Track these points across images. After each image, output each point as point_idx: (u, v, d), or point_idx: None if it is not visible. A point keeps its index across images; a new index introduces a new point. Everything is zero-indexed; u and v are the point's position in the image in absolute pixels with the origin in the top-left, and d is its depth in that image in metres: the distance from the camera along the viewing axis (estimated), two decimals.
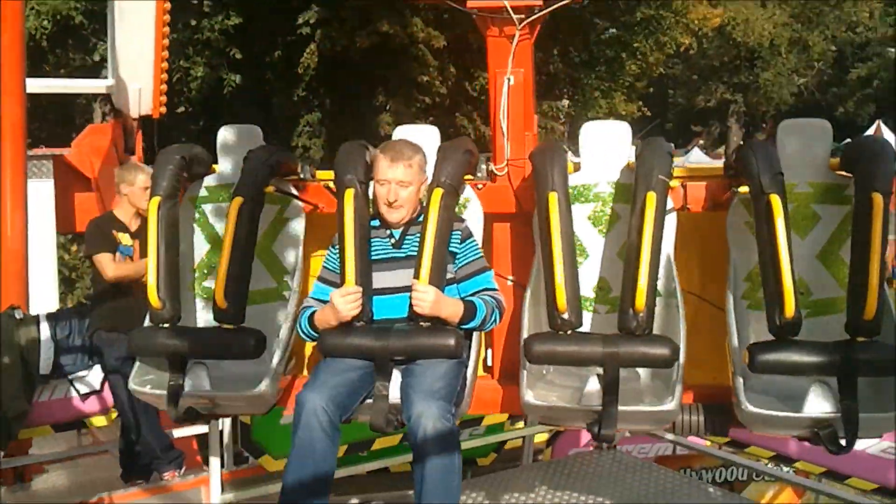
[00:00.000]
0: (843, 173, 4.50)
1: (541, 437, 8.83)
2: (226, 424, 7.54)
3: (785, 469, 8.12)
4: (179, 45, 18.43)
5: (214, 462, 7.01)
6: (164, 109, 10.23)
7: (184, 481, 7.44)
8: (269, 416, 6.72)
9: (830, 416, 3.99)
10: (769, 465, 8.19)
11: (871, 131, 35.29)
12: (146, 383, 4.54)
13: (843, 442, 4.02)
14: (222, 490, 7.02)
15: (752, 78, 60.72)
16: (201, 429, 7.70)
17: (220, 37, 20.23)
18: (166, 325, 4.42)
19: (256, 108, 21.78)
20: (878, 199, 3.98)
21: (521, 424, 8.28)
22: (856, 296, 3.96)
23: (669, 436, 8.04)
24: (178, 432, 7.76)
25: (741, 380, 4.17)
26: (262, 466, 7.35)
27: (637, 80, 29.97)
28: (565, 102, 26.86)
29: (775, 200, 4.06)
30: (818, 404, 4.01)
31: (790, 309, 3.92)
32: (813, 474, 7.77)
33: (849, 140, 4.84)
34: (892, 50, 64.38)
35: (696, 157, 36.66)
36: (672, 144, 4.69)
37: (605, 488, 6.44)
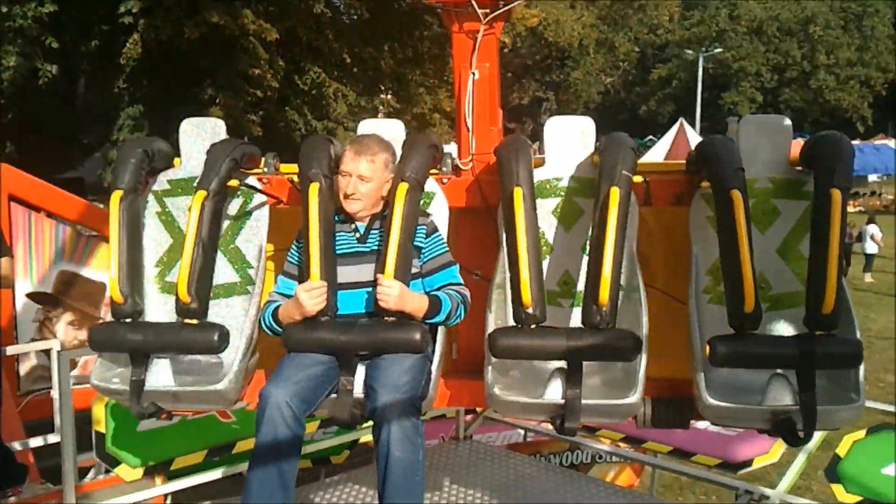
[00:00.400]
0: (804, 169, 4.56)
1: None
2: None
3: (628, 449, 8.38)
4: None
5: (69, 475, 6.41)
6: None
7: (33, 496, 7.02)
8: (127, 424, 6.71)
9: (789, 409, 4.05)
10: (614, 447, 8.46)
11: (674, 129, 36.27)
12: (108, 379, 4.50)
13: (801, 434, 4.10)
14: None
15: (562, 77, 63.19)
16: (39, 440, 7.30)
17: (33, 24, 19.51)
18: (128, 320, 4.39)
19: (63, 100, 21.45)
20: (836, 195, 4.05)
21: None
22: (814, 290, 4.02)
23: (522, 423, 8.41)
24: (17, 444, 7.22)
25: (702, 373, 4.22)
26: (117, 477, 7.01)
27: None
28: (388, 97, 27.15)
29: (736, 196, 4.12)
30: (777, 397, 4.07)
31: (750, 303, 3.99)
32: (661, 453, 8.01)
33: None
34: (690, 52, 69.04)
35: None
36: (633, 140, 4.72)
37: (465, 478, 6.47)
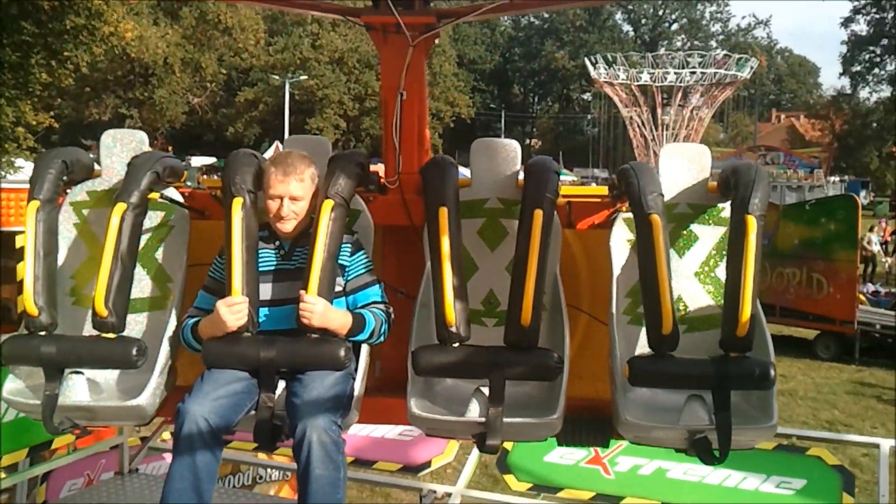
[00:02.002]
0: (721, 196, 4.68)
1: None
2: None
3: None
4: None
5: None
6: None
7: None
8: None
9: (705, 428, 4.13)
10: (278, 462, 8.81)
11: (270, 151, 37.48)
12: (20, 393, 4.39)
13: (716, 453, 4.17)
14: None
15: (146, 94, 63.63)
16: None
17: None
18: (42, 333, 4.27)
19: None
20: (751, 221, 4.16)
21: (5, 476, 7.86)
22: (730, 313, 4.12)
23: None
24: None
25: (621, 392, 4.29)
26: None
27: (45, 90, 29.38)
28: None
29: (655, 220, 4.21)
30: (694, 417, 4.15)
31: (668, 325, 4.08)
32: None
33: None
34: (276, 77, 72.72)
35: None
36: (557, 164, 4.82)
37: None
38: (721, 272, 4.53)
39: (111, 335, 4.26)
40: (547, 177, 4.49)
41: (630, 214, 4.46)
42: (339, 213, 4.32)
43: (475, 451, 7.61)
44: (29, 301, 4.21)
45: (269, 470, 9.32)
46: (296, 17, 78.46)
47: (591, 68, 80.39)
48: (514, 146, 4.95)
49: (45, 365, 4.22)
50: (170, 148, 70.02)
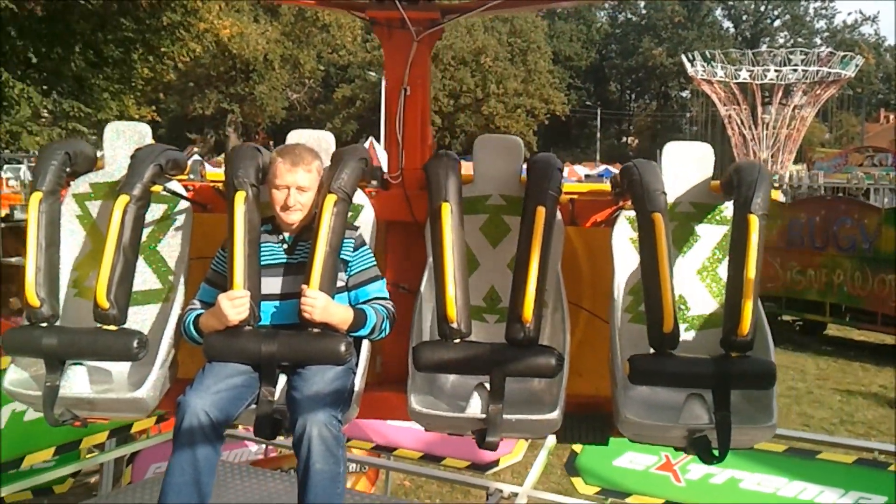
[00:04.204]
0: (724, 195, 4.67)
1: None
2: None
3: (365, 456, 8.85)
4: None
5: None
6: None
7: None
8: None
9: (705, 427, 4.13)
10: (354, 455, 8.82)
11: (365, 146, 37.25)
12: (21, 384, 4.40)
13: (716, 452, 4.17)
14: None
15: (247, 90, 64.21)
16: None
17: None
18: (44, 324, 4.28)
19: None
20: (754, 220, 4.13)
21: (96, 453, 8.15)
22: (731, 313, 4.11)
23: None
24: None
25: (622, 390, 4.29)
26: None
27: (148, 84, 30.13)
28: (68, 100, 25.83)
29: (658, 218, 4.21)
30: (693, 415, 4.15)
31: (669, 323, 4.08)
32: (412, 459, 8.44)
33: None
34: (372, 73, 72.31)
35: None
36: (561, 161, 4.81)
37: (217, 498, 6.36)
38: (723, 271, 4.51)
39: (112, 327, 4.27)
40: (550, 173, 4.49)
41: (633, 212, 4.46)
42: (342, 208, 4.33)
43: (544, 452, 7.66)
44: (30, 292, 4.23)
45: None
46: None
47: (687, 65, 78.52)
48: (516, 142, 4.95)
49: (46, 356, 4.24)
50: (270, 143, 71.27)
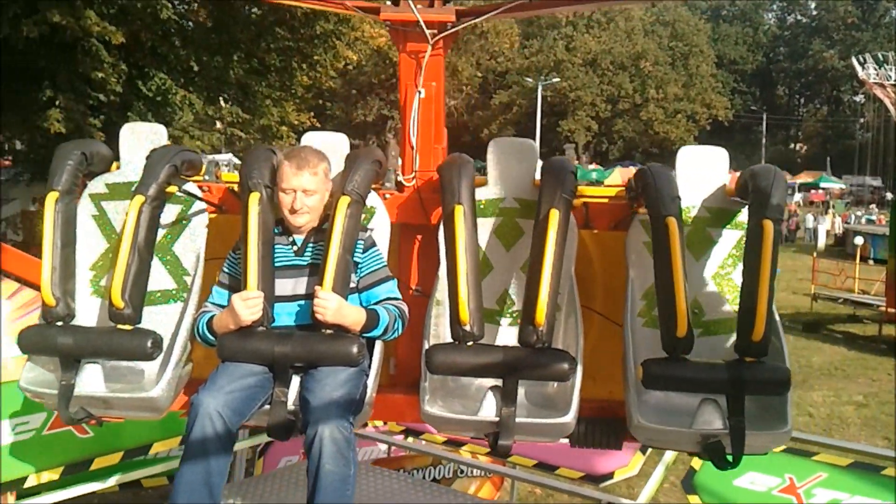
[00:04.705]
0: (739, 199, 4.65)
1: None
2: None
3: (489, 463, 8.64)
4: None
5: None
6: None
7: None
8: None
9: (718, 433, 4.10)
10: (476, 461, 8.70)
11: None
12: (36, 382, 4.43)
13: (730, 458, 4.13)
14: None
15: None
16: None
17: None
18: (59, 323, 4.32)
19: None
20: (768, 225, 4.10)
21: None
22: (745, 318, 4.08)
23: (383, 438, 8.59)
24: None
25: (635, 395, 4.27)
26: None
27: (306, 92, 30.45)
28: (229, 106, 26.65)
29: (672, 223, 4.18)
30: (707, 421, 4.11)
31: (683, 328, 4.04)
32: (526, 466, 8.24)
33: None
34: (529, 80, 71.94)
35: None
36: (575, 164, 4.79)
37: None
38: (738, 276, 4.49)
39: (127, 327, 4.29)
40: (564, 177, 4.47)
41: (647, 216, 4.44)
42: (355, 210, 4.34)
43: (660, 468, 7.50)
44: (46, 291, 4.26)
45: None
46: (550, 19, 79.30)
47: (858, 68, 75.58)
48: (531, 146, 4.94)
49: (62, 355, 4.27)
50: None
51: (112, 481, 7.21)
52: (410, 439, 8.88)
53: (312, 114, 32.87)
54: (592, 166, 65.65)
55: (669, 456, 7.39)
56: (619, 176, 62.27)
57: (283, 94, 27.49)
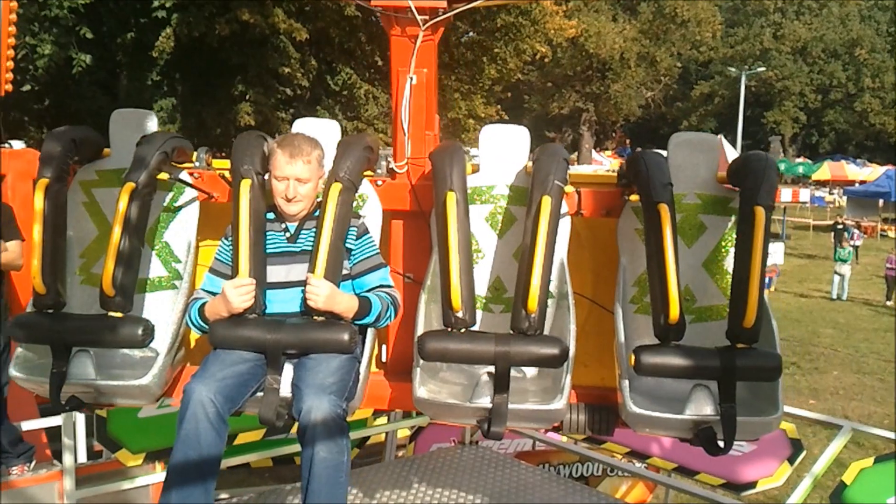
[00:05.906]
0: (730, 186, 4.66)
1: (403, 433, 8.92)
2: (79, 417, 7.09)
3: (638, 465, 8.50)
4: (24, 20, 17.34)
5: (68, 457, 6.56)
6: (9, 87, 8.80)
7: (35, 476, 6.94)
8: (128, 409, 6.66)
9: (710, 419, 4.14)
10: (623, 461, 8.60)
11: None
12: (27, 370, 4.43)
13: (721, 444, 4.15)
14: (76, 486, 6.64)
15: (602, 88, 63.04)
16: (51, 421, 7.19)
17: (69, 14, 19.39)
18: (50, 311, 4.31)
19: (104, 91, 21.33)
20: (760, 212, 4.15)
21: (383, 420, 8.30)
22: (737, 304, 4.11)
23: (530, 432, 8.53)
24: (27, 425, 7.21)
25: (627, 381, 4.29)
26: (118, 461, 7.00)
27: (495, 85, 30.97)
28: None
29: (664, 210, 4.20)
30: (699, 407, 4.16)
31: (675, 314, 4.05)
32: (665, 469, 8.16)
33: None
34: (733, 69, 69.95)
35: None
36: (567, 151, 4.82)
37: (468, 483, 6.55)
38: (729, 263, 4.51)
39: (118, 314, 4.28)
40: (556, 164, 4.45)
41: (639, 203, 4.44)
42: (347, 197, 4.34)
43: (808, 479, 7.20)
44: (37, 279, 4.23)
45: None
46: (757, 6, 77.06)
47: None
48: (523, 132, 4.91)
49: (53, 343, 4.27)
50: (628, 142, 71.68)
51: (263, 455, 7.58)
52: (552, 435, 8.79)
53: (500, 106, 33.25)
54: (800, 160, 64.26)
55: (819, 467, 7.11)
56: (828, 170, 61.01)
57: (472, 88, 28.19)
